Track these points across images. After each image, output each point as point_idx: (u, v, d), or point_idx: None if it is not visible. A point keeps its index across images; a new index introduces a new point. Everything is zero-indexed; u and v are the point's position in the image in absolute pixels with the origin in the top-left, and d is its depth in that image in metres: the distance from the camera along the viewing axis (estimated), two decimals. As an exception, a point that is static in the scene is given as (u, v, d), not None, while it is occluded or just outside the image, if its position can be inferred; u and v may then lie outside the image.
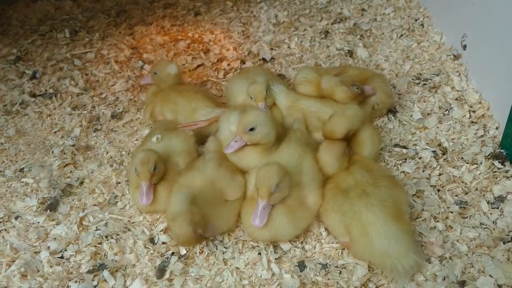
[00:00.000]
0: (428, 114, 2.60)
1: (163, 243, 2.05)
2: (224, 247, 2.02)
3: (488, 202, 2.11)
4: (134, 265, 1.97)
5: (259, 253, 1.98)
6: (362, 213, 1.85)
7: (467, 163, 2.29)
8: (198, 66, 3.23)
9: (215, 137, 2.32)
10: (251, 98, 2.39)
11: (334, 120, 2.15)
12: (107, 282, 1.90)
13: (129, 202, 2.25)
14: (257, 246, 2.01)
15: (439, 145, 2.42)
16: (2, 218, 2.20)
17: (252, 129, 2.06)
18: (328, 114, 2.33)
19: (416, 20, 3.40)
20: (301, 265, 1.92)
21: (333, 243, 2.00)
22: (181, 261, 1.95)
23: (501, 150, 2.29)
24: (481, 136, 2.42)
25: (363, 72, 2.64)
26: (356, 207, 1.88)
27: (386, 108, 2.60)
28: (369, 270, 1.87)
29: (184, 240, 1.94)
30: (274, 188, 1.85)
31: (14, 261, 1.99)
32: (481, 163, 2.27)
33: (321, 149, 2.13)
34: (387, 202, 1.88)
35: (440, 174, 2.27)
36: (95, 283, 1.90)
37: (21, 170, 2.47)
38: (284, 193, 1.91)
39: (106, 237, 2.08)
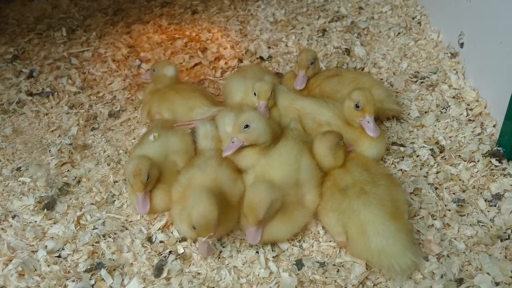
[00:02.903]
0: (425, 112, 2.60)
1: (160, 241, 2.05)
2: (222, 246, 2.02)
3: (485, 200, 2.11)
4: (132, 264, 1.97)
5: (257, 252, 1.97)
6: (360, 212, 1.85)
7: (465, 161, 2.29)
8: (196, 64, 3.23)
9: (206, 129, 2.32)
10: (254, 94, 2.39)
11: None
12: (104, 281, 1.89)
13: (126, 201, 2.25)
14: (254, 244, 2.01)
15: (437, 143, 2.42)
16: (-1, 217, 2.20)
17: (247, 126, 2.06)
18: (324, 115, 2.33)
19: (413, 18, 3.40)
20: (299, 264, 1.92)
21: (330, 241, 2.00)
22: (178, 260, 1.95)
23: (499, 148, 2.30)
24: (479, 134, 2.42)
25: (358, 77, 2.58)
26: (354, 206, 1.87)
27: (393, 115, 2.59)
28: (366, 268, 1.87)
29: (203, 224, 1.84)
30: (262, 216, 1.84)
31: (11, 260, 1.98)
32: (478, 161, 2.27)
33: (315, 141, 2.13)
34: (385, 201, 1.88)
35: (437, 172, 2.27)
36: (92, 282, 1.89)
37: (18, 169, 2.46)
38: (274, 213, 1.89)
39: (104, 236, 2.08)
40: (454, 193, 2.16)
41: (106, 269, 1.92)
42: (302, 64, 2.57)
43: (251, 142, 2.10)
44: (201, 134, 2.30)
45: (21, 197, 2.29)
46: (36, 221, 2.17)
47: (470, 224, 2.02)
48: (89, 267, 1.94)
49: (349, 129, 2.25)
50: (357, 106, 2.16)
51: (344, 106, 2.23)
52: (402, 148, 2.40)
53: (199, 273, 1.91)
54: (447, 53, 2.96)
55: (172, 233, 2.08)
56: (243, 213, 1.99)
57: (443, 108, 2.61)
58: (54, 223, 2.16)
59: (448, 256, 1.90)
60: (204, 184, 1.97)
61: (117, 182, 2.35)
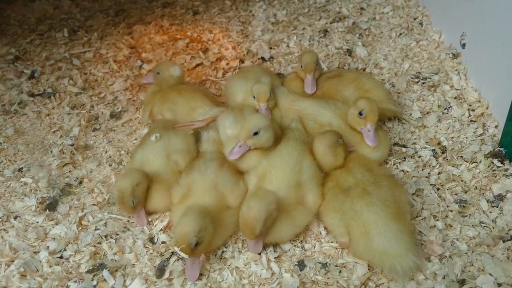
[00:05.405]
0: (427, 113, 2.60)
1: (162, 242, 2.05)
2: (224, 246, 2.01)
3: (487, 201, 2.10)
4: (134, 264, 1.97)
5: (259, 252, 1.97)
6: (363, 213, 1.85)
7: (467, 161, 2.29)
8: (197, 65, 3.23)
9: (209, 135, 2.33)
10: (253, 97, 2.38)
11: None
12: (106, 281, 1.89)
13: (128, 202, 2.24)
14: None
15: (439, 143, 2.42)
16: (1, 218, 2.19)
17: (256, 133, 2.06)
18: (325, 116, 2.33)
19: (415, 19, 3.40)
20: (301, 264, 1.92)
21: (332, 242, 2.00)
22: (180, 261, 1.95)
23: (501, 149, 2.29)
24: (480, 135, 2.42)
25: (360, 78, 2.57)
26: (357, 207, 1.87)
27: (392, 116, 2.59)
28: (369, 269, 1.87)
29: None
30: (259, 232, 1.84)
31: (13, 261, 1.98)
32: (480, 161, 2.27)
33: (315, 141, 2.14)
34: (388, 202, 1.88)
35: (439, 173, 2.27)
36: (94, 282, 1.89)
37: (20, 170, 2.46)
38: (272, 221, 1.88)
39: (106, 236, 2.08)
40: (456, 194, 2.16)
41: (108, 270, 1.92)
42: (310, 68, 2.54)
43: (258, 146, 2.11)
44: (204, 139, 2.32)
45: (23, 198, 2.29)
46: (38, 222, 2.17)
47: (472, 225, 2.02)
48: (91, 267, 1.94)
49: (351, 131, 2.25)
50: (360, 114, 2.17)
51: (348, 113, 2.24)
52: (404, 149, 2.40)
53: (201, 274, 1.90)
54: (448, 53, 2.96)
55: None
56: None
57: (445, 109, 2.61)
58: (56, 224, 2.16)
59: (450, 257, 1.89)
60: (201, 203, 1.97)
61: (118, 182, 2.35)
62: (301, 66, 2.57)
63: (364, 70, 3.01)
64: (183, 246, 1.78)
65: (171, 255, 1.98)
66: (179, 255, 1.92)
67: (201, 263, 1.90)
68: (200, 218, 1.82)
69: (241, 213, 1.87)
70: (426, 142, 2.43)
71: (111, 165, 2.46)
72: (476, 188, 2.18)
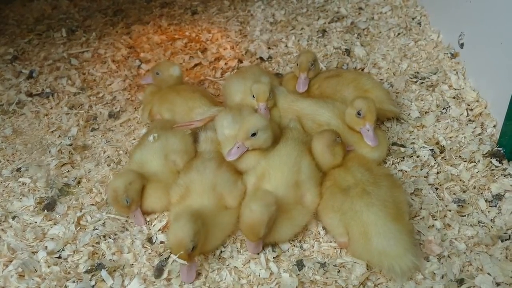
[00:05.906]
0: (425, 113, 2.60)
1: (161, 242, 2.05)
2: (223, 246, 2.01)
3: (486, 200, 2.11)
4: (132, 264, 1.96)
5: (257, 252, 1.97)
6: (362, 213, 1.85)
7: (465, 161, 2.29)
8: (196, 65, 3.23)
9: (207, 135, 2.33)
10: (253, 96, 2.38)
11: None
12: (105, 282, 1.89)
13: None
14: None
15: (437, 143, 2.42)
16: (-1, 218, 2.20)
17: (254, 134, 2.06)
18: (324, 116, 2.33)
19: (413, 19, 3.41)
20: (300, 264, 1.92)
21: (331, 242, 2.00)
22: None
23: (499, 148, 2.29)
24: (479, 135, 2.42)
25: (358, 78, 2.57)
26: (356, 207, 1.87)
27: (392, 116, 2.58)
28: (367, 269, 1.87)
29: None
30: (262, 234, 1.85)
31: (11, 261, 1.98)
32: (479, 161, 2.27)
33: (313, 140, 2.14)
34: (387, 202, 1.88)
35: (438, 173, 2.27)
36: (93, 283, 1.89)
37: (18, 169, 2.46)
38: (273, 222, 1.88)
39: (104, 236, 2.07)
40: (454, 194, 2.16)
41: (107, 270, 1.91)
42: (303, 67, 2.56)
43: (256, 147, 2.11)
44: (202, 139, 2.32)
45: (21, 198, 2.28)
46: (36, 222, 2.17)
47: (471, 225, 2.02)
48: (89, 268, 1.94)
49: (349, 130, 2.25)
50: (358, 114, 2.17)
51: (346, 112, 2.24)
52: (402, 149, 2.40)
53: (199, 274, 1.90)
54: (447, 53, 2.96)
55: (172, 233, 2.08)
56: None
57: (443, 109, 2.61)
58: (54, 224, 2.16)
59: (448, 256, 1.90)
60: (193, 207, 1.96)
61: (117, 182, 2.35)
62: (297, 65, 2.58)
63: (362, 70, 3.01)
64: (181, 253, 1.77)
65: (169, 255, 1.97)
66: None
67: (197, 265, 1.89)
68: (192, 222, 1.81)
69: (244, 217, 1.86)
70: (425, 142, 2.43)
71: (110, 165, 2.45)
72: (474, 187, 2.18)
